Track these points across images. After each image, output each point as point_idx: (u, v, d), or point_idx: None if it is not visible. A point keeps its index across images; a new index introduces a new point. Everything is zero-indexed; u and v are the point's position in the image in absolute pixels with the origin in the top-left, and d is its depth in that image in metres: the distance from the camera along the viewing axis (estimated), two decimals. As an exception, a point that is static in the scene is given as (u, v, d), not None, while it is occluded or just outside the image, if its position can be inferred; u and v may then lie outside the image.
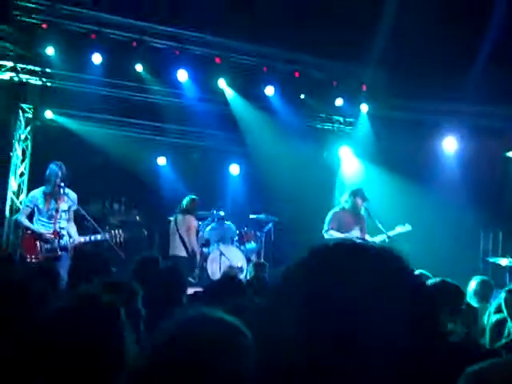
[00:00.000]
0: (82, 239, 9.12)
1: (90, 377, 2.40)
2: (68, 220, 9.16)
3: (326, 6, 11.70)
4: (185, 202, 11.31)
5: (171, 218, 11.45)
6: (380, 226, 10.19)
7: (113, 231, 9.28)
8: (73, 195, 9.26)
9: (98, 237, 9.15)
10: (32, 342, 2.56)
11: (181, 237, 11.06)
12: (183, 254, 11.02)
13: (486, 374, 2.66)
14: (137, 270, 5.71)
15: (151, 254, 7.15)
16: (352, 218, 10.17)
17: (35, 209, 9.10)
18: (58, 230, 9.00)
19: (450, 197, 12.60)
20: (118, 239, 9.20)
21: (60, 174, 9.04)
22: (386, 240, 10.12)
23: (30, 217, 9.11)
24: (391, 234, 10.18)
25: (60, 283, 5.96)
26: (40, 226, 9.02)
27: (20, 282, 3.35)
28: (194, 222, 11.26)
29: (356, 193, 10.31)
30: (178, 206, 11.38)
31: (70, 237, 9.09)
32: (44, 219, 9.06)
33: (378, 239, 10.17)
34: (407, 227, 10.36)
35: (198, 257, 11.47)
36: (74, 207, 9.21)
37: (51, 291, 4.77)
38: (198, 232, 11.85)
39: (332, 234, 9.93)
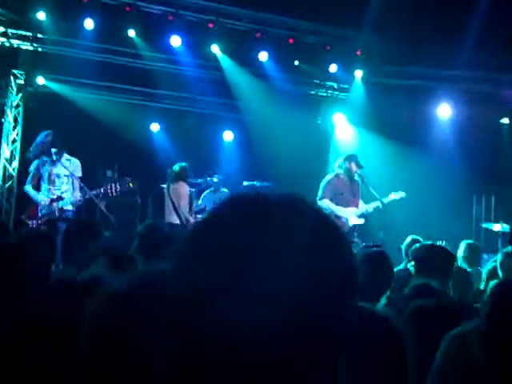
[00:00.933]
0: (79, 196, 9.12)
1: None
2: (73, 186, 9.17)
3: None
4: (175, 169, 11.14)
5: (164, 186, 11.35)
6: (374, 192, 10.19)
7: (109, 184, 9.29)
8: (75, 161, 9.24)
9: (100, 190, 9.17)
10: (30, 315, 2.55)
11: (173, 204, 10.97)
12: (177, 221, 10.94)
13: (468, 336, 2.69)
14: (143, 235, 5.69)
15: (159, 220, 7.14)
16: (346, 184, 10.15)
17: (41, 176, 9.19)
18: (58, 194, 9.03)
19: (443, 163, 12.64)
20: (113, 190, 9.18)
21: (45, 142, 9.01)
22: (380, 206, 10.13)
23: (39, 184, 9.17)
24: (385, 200, 10.17)
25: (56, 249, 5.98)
26: (44, 192, 9.09)
27: (13, 247, 3.35)
28: (184, 189, 11.03)
29: (350, 158, 10.27)
30: (169, 174, 11.23)
31: (73, 198, 9.12)
32: (45, 185, 9.12)
33: (372, 206, 10.19)
34: (401, 194, 10.34)
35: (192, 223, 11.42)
36: (78, 174, 9.20)
37: (49, 257, 4.79)
38: (190, 199, 11.83)
39: (326, 204, 9.93)
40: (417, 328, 3.07)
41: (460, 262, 6.67)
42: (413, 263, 5.07)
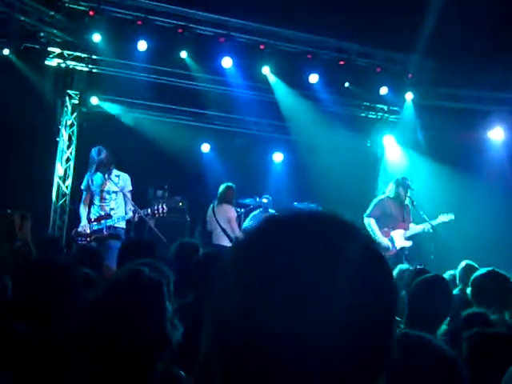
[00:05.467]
0: (131, 210, 9.30)
1: (134, 353, 2.43)
2: (124, 201, 9.33)
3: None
4: (220, 189, 11.07)
5: (209, 207, 11.27)
6: (424, 215, 10.09)
7: (156, 205, 9.41)
8: (124, 177, 9.40)
9: (148, 211, 9.31)
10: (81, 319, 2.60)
11: (221, 227, 10.93)
12: (227, 243, 10.90)
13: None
14: (176, 255, 5.76)
15: (191, 240, 7.20)
16: (397, 207, 10.10)
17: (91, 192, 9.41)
18: (107, 211, 9.19)
19: (496, 187, 12.42)
20: (160, 211, 9.31)
21: (99, 157, 9.19)
22: (430, 229, 10.03)
23: (91, 201, 9.43)
24: (434, 223, 10.06)
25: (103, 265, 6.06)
26: (94, 208, 9.34)
27: (61, 266, 3.40)
28: (232, 213, 10.94)
29: (399, 182, 10.22)
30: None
31: (126, 214, 9.28)
32: (96, 202, 9.34)
33: (420, 227, 10.09)
34: (450, 216, 10.21)
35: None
36: (128, 188, 9.36)
37: (96, 275, 4.85)
38: (239, 220, 11.88)
39: (370, 223, 9.91)
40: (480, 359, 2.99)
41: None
42: (470, 289, 4.97)
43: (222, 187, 11.04)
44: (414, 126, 13.55)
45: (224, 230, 10.84)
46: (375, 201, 10.22)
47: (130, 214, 9.25)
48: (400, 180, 10.30)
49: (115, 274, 2.76)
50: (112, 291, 2.54)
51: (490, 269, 4.71)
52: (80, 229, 9.25)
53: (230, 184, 11.09)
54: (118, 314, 2.47)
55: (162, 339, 2.51)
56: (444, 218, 10.21)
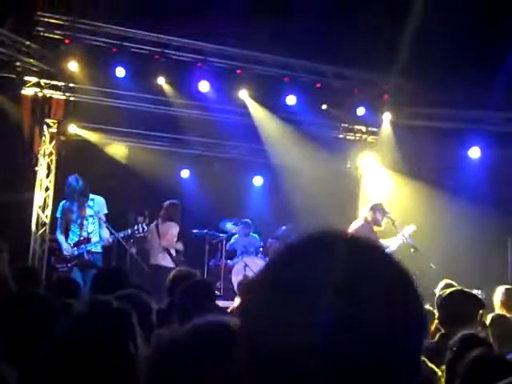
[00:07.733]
0: (111, 239, 9.34)
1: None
2: (99, 225, 9.35)
3: (349, 16, 11.71)
4: (164, 207, 10.98)
5: (152, 225, 10.95)
6: (402, 235, 9.97)
7: (136, 225, 9.46)
8: (99, 199, 9.45)
9: (128, 232, 9.40)
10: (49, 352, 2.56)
11: (163, 245, 10.74)
12: (169, 264, 10.48)
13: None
14: (171, 283, 5.70)
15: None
16: (373, 231, 9.99)
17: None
18: (85, 236, 9.24)
19: (475, 205, 12.43)
20: (140, 231, 9.37)
21: (76, 186, 9.23)
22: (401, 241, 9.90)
23: (68, 228, 9.49)
24: (402, 240, 9.88)
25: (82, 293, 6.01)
26: (73, 234, 9.39)
27: (39, 298, 3.38)
28: (172, 229, 10.83)
29: (375, 207, 10.21)
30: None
31: (102, 239, 9.30)
32: (74, 229, 9.42)
33: (393, 242, 9.93)
34: (412, 228, 10.07)
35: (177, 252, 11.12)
36: (104, 211, 9.38)
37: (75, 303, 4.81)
38: (220, 245, 11.91)
39: None
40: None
41: (498, 307, 6.46)
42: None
43: (164, 204, 10.99)
44: (392, 146, 13.59)
45: (166, 249, 10.73)
46: (354, 226, 10.16)
47: (107, 238, 9.30)
48: (375, 205, 10.30)
49: (79, 307, 2.72)
50: (75, 325, 2.51)
51: (459, 288, 4.74)
52: (65, 252, 9.26)
53: (173, 201, 11.08)
54: (84, 347, 2.44)
55: (133, 367, 2.48)
56: (405, 231, 10.03)
